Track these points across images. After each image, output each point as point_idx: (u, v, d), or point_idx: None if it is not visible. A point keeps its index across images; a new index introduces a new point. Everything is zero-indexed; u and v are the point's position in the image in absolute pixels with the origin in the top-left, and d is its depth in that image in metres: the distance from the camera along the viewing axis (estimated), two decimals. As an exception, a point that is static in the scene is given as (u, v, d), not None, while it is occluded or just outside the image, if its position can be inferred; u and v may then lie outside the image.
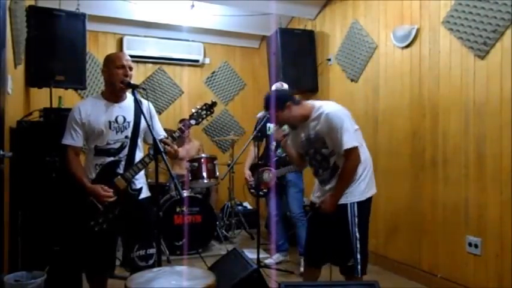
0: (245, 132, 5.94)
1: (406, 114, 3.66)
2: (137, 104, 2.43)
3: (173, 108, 5.75)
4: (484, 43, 2.94)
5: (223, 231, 4.86)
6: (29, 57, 3.44)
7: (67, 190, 2.65)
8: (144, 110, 2.41)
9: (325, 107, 2.43)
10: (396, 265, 3.72)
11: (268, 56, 5.05)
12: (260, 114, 3.78)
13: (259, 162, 3.82)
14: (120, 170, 2.44)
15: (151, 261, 2.43)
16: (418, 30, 3.52)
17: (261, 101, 6.02)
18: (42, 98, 3.65)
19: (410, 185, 3.60)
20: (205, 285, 1.80)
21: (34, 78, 3.53)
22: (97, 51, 5.17)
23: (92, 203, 2.37)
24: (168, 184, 4.62)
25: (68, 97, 4.08)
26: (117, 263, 3.07)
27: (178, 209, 4.24)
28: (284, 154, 3.88)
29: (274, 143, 3.89)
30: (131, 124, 2.48)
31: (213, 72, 6.00)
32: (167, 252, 4.05)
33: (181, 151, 4.13)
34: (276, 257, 4.01)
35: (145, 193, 2.54)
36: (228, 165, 4.53)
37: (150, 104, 2.57)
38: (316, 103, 2.51)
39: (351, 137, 2.34)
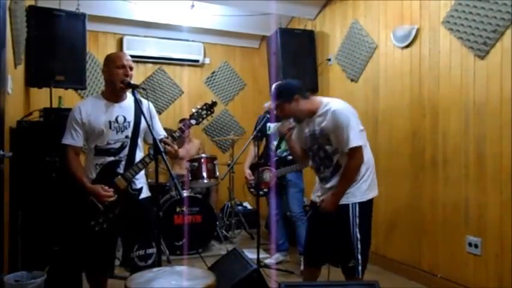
0: (245, 132, 5.94)
1: (406, 114, 3.66)
2: (137, 104, 2.43)
3: (173, 108, 5.75)
4: (484, 43, 2.94)
5: (223, 231, 4.86)
6: (29, 57, 3.44)
7: (67, 190, 2.65)
8: (144, 109, 2.42)
9: (332, 103, 2.42)
10: (396, 265, 3.72)
11: (268, 56, 5.04)
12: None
13: (259, 161, 3.82)
14: (121, 170, 2.44)
15: (150, 261, 2.43)
16: (418, 30, 3.52)
17: (261, 101, 6.05)
18: (42, 98, 3.65)
19: (410, 185, 3.60)
20: (205, 285, 1.80)
21: (34, 78, 3.53)
22: (97, 51, 5.17)
23: (92, 202, 2.37)
24: (168, 184, 4.62)
25: (68, 97, 4.08)
26: (117, 263, 3.08)
27: (178, 209, 4.24)
28: (284, 154, 3.89)
29: (274, 143, 3.89)
30: (131, 124, 2.48)
31: (213, 72, 6.00)
32: (167, 252, 4.05)
33: (182, 151, 4.14)
34: (276, 257, 4.01)
35: (145, 193, 2.54)
36: (228, 165, 4.53)
37: (151, 104, 2.57)
38: (324, 99, 2.50)
39: (356, 136, 2.33)
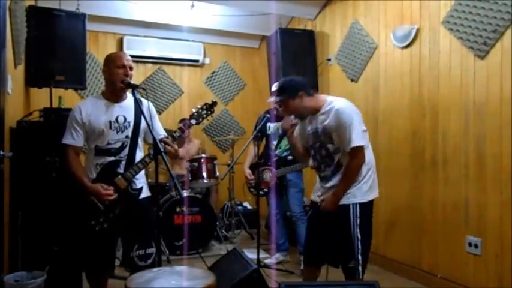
0: (245, 132, 5.94)
1: (406, 114, 3.66)
2: (137, 104, 2.43)
3: (173, 108, 5.75)
4: (484, 43, 2.94)
5: (223, 231, 4.86)
6: (29, 57, 3.43)
7: (67, 190, 2.65)
8: (145, 109, 2.42)
9: (336, 102, 2.41)
10: (396, 265, 3.72)
11: (268, 56, 5.04)
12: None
13: (259, 161, 3.82)
14: (121, 170, 2.44)
15: (150, 261, 2.43)
16: (418, 30, 3.52)
17: (261, 101, 6.05)
18: (42, 98, 3.65)
19: (410, 185, 3.60)
20: (205, 285, 1.80)
21: (34, 78, 3.53)
22: (97, 51, 5.17)
23: (93, 202, 2.37)
24: (168, 184, 4.62)
25: (68, 97, 4.08)
26: (117, 263, 3.08)
27: (178, 209, 4.24)
28: (284, 154, 3.89)
29: (274, 143, 3.89)
30: (131, 124, 2.48)
31: (213, 72, 6.00)
32: (167, 252, 4.05)
33: (182, 151, 4.13)
34: (276, 257, 4.01)
35: (145, 193, 2.54)
36: (228, 165, 4.53)
37: (151, 104, 2.57)
38: (328, 98, 2.49)
39: (359, 135, 2.32)
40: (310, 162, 3.69)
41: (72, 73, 3.67)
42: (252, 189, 4.09)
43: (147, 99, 2.56)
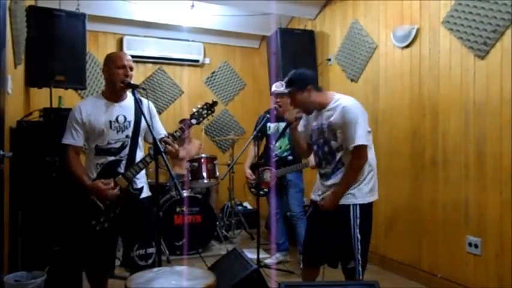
0: (245, 132, 5.94)
1: (406, 114, 3.66)
2: (137, 104, 2.43)
3: (173, 108, 5.75)
4: (484, 43, 2.94)
5: (223, 231, 4.86)
6: (29, 57, 3.43)
7: (67, 190, 2.65)
8: (145, 109, 2.42)
9: (343, 99, 2.42)
10: (396, 265, 3.72)
11: (268, 56, 5.05)
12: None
13: (259, 161, 3.83)
14: (121, 170, 2.44)
15: (150, 261, 2.43)
16: (418, 30, 3.52)
17: (261, 101, 6.05)
18: (42, 98, 3.65)
19: (410, 184, 3.60)
20: (205, 285, 1.80)
21: (34, 78, 3.53)
22: (97, 51, 5.17)
23: (93, 202, 2.37)
24: (168, 184, 4.62)
25: (68, 97, 4.08)
26: (117, 263, 3.08)
27: (178, 209, 4.24)
28: (284, 154, 3.89)
29: (274, 143, 3.89)
30: (132, 123, 2.48)
31: (213, 72, 6.00)
32: (167, 252, 4.05)
33: (182, 152, 4.14)
34: (276, 257, 4.01)
35: (146, 192, 2.54)
36: (228, 165, 4.53)
37: (151, 103, 2.57)
38: (337, 94, 2.49)
39: (364, 134, 2.32)
40: (311, 161, 3.70)
41: (72, 73, 3.67)
42: (252, 189, 4.10)
43: (147, 99, 2.56)
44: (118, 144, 2.45)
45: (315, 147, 2.55)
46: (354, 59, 4.28)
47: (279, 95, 3.82)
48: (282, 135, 3.78)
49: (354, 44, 4.27)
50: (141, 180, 2.53)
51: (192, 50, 5.71)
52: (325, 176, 2.50)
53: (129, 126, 2.48)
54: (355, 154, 2.34)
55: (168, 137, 2.43)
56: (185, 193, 4.37)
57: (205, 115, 2.52)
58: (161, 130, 2.58)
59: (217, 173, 4.62)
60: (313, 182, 2.68)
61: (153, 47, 5.47)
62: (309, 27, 4.96)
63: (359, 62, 4.20)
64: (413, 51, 3.58)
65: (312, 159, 3.67)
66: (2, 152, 2.28)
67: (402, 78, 3.70)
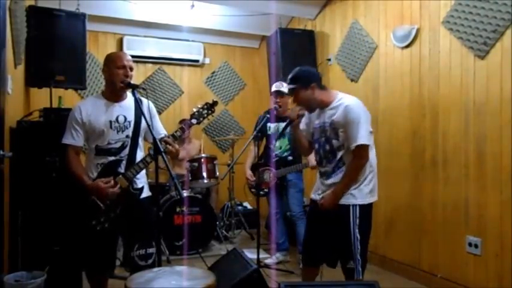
0: (245, 132, 5.94)
1: (406, 114, 3.66)
2: (138, 104, 2.43)
3: (173, 108, 5.76)
4: (484, 43, 2.94)
5: (223, 231, 4.86)
6: (29, 57, 3.44)
7: (67, 190, 2.65)
8: (145, 109, 2.42)
9: (347, 99, 2.42)
10: (396, 265, 3.72)
11: (268, 56, 5.05)
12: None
13: (260, 161, 3.82)
14: (121, 170, 2.44)
15: (150, 261, 2.43)
16: (418, 30, 3.52)
17: (261, 101, 6.05)
18: (42, 98, 3.65)
19: (410, 184, 3.60)
20: (205, 285, 1.80)
21: (34, 78, 3.53)
22: (97, 51, 5.18)
23: (94, 202, 2.37)
24: (168, 184, 4.62)
25: (68, 97, 4.08)
26: (117, 263, 3.07)
27: (178, 209, 4.24)
28: (284, 154, 3.89)
29: (274, 143, 3.89)
30: (132, 123, 2.48)
31: (213, 72, 6.00)
32: (167, 252, 4.05)
33: (182, 152, 4.14)
34: (277, 256, 4.01)
35: (146, 192, 2.54)
36: (228, 165, 4.53)
37: (151, 103, 2.57)
38: (340, 94, 2.49)
39: (366, 134, 2.32)
40: (311, 161, 3.70)
41: (72, 73, 3.67)
42: (253, 190, 4.10)
43: (147, 99, 2.56)
44: (118, 144, 2.45)
45: (316, 146, 2.54)
46: (354, 59, 4.28)
47: (279, 95, 3.83)
48: (282, 135, 3.78)
49: (354, 44, 4.27)
50: (142, 180, 2.53)
51: (192, 50, 5.71)
52: (325, 175, 2.50)
53: (129, 126, 2.47)
54: (356, 154, 2.34)
55: (168, 137, 2.43)
56: (185, 193, 4.37)
57: (205, 115, 2.52)
58: (161, 130, 2.58)
59: (217, 173, 4.62)
60: (313, 182, 2.67)
61: (153, 47, 5.47)
62: (309, 27, 4.96)
63: (359, 62, 4.20)
64: (413, 51, 3.58)
65: (311, 159, 3.68)
66: (2, 152, 2.28)
67: (402, 78, 3.70)
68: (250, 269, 2.59)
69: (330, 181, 2.46)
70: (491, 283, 2.90)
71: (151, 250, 2.44)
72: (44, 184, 2.85)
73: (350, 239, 2.36)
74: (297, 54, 4.73)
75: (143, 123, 2.46)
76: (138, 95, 2.45)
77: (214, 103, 2.53)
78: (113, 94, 2.49)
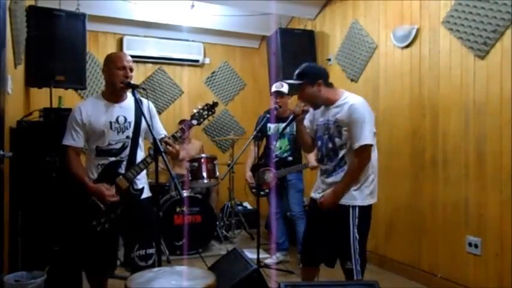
0: (245, 132, 5.94)
1: (406, 114, 3.66)
2: (138, 104, 2.43)
3: (173, 108, 5.76)
4: (484, 43, 2.94)
5: (223, 231, 4.86)
6: (29, 57, 3.43)
7: (67, 190, 2.65)
8: (145, 109, 2.41)
9: (352, 98, 2.41)
10: (396, 265, 3.72)
11: (268, 56, 5.05)
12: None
13: (260, 162, 3.82)
14: (122, 170, 2.44)
15: (150, 261, 2.43)
16: (418, 30, 3.52)
17: (261, 101, 6.05)
18: (42, 98, 3.65)
19: (410, 184, 3.60)
20: (205, 285, 1.80)
21: (34, 78, 3.53)
22: (97, 51, 5.18)
23: (94, 202, 2.37)
24: (168, 184, 4.62)
25: (68, 97, 4.08)
26: (118, 263, 3.08)
27: (178, 209, 4.24)
28: (284, 155, 3.89)
29: (274, 143, 3.89)
30: (132, 124, 2.48)
31: (213, 72, 6.00)
32: (167, 252, 4.05)
33: (182, 152, 4.15)
34: (277, 256, 4.01)
35: (146, 193, 2.54)
36: (228, 165, 4.53)
37: (151, 103, 2.57)
38: (346, 92, 2.49)
39: (370, 134, 2.32)
40: (311, 162, 3.70)
41: (72, 73, 3.67)
42: (253, 190, 4.09)
43: (147, 99, 2.56)
44: (119, 145, 2.45)
45: (319, 143, 2.54)
46: (354, 59, 4.28)
47: (279, 95, 3.83)
48: (282, 135, 3.78)
49: (354, 44, 4.27)
50: (142, 181, 2.53)
51: (192, 50, 5.71)
52: (326, 173, 2.49)
53: (130, 126, 2.47)
54: (359, 154, 2.33)
55: (169, 138, 2.42)
56: (185, 193, 4.37)
57: (205, 116, 2.52)
58: (161, 130, 2.58)
59: (217, 173, 4.62)
60: (313, 182, 2.67)
61: (153, 47, 5.47)
62: (309, 27, 4.96)
63: (359, 62, 4.20)
64: (413, 51, 3.58)
65: (311, 159, 3.69)
66: (2, 152, 2.28)
67: (402, 78, 3.70)
68: (250, 269, 2.59)
69: (330, 180, 2.45)
70: (491, 283, 2.90)
71: (152, 251, 2.44)
72: (44, 184, 2.85)
73: (349, 239, 2.36)
74: (297, 54, 4.72)
75: (143, 124, 2.46)
76: (138, 95, 2.45)
77: (215, 104, 2.53)
78: (113, 95, 2.49)
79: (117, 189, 2.41)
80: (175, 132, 2.47)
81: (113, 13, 4.78)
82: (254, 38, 6.05)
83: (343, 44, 4.44)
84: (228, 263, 2.83)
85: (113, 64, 2.43)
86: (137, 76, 5.35)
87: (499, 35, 2.85)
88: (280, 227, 4.06)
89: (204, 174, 4.48)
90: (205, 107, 2.51)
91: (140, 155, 2.51)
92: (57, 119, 2.88)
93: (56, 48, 3.57)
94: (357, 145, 2.32)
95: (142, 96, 2.56)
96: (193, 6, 4.78)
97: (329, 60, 4.68)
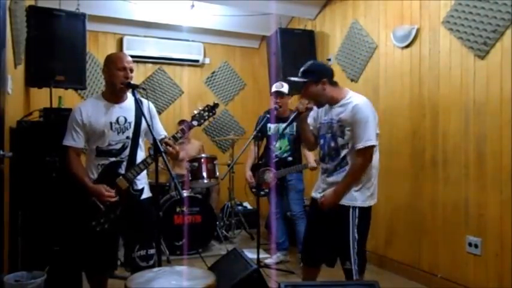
0: (245, 132, 5.94)
1: (406, 114, 3.66)
2: (138, 104, 2.43)
3: (173, 108, 5.76)
4: (484, 43, 2.94)
5: (223, 231, 4.86)
6: (29, 57, 3.43)
7: (67, 190, 2.65)
8: (145, 109, 2.41)
9: (357, 97, 2.41)
10: (396, 265, 3.72)
11: (268, 56, 5.05)
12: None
13: (260, 162, 3.82)
14: (122, 171, 2.44)
15: (151, 262, 2.43)
16: (418, 30, 3.52)
17: (261, 101, 6.05)
18: (42, 98, 3.65)
19: (410, 184, 3.60)
20: (205, 285, 1.81)
21: (34, 78, 3.53)
22: (97, 51, 5.18)
23: (94, 203, 2.37)
24: (168, 184, 4.62)
25: (68, 97, 4.08)
26: (118, 263, 3.08)
27: (178, 209, 4.24)
28: (284, 155, 3.89)
29: (274, 143, 3.89)
30: (132, 125, 2.48)
31: (213, 72, 6.00)
32: (167, 252, 4.05)
33: (182, 153, 4.15)
34: (277, 256, 4.01)
35: (146, 193, 2.54)
36: (228, 165, 4.53)
37: (151, 104, 2.57)
38: (350, 92, 2.48)
39: (373, 135, 2.32)
40: (311, 162, 3.70)
41: (72, 73, 3.67)
42: (253, 190, 4.09)
43: (147, 99, 2.56)
44: (119, 146, 2.45)
45: (321, 141, 2.53)
46: (354, 59, 4.28)
47: (279, 95, 3.83)
48: (282, 136, 3.77)
49: (354, 44, 4.27)
50: (142, 181, 2.53)
51: (192, 50, 5.71)
52: (327, 172, 2.49)
53: (130, 127, 2.47)
54: (361, 154, 2.33)
55: (169, 139, 2.42)
56: (185, 193, 4.37)
57: (206, 117, 2.51)
58: (161, 131, 2.58)
59: (217, 173, 4.62)
60: (313, 183, 2.67)
61: (153, 47, 5.47)
62: (309, 27, 4.96)
63: (359, 62, 4.20)
64: (413, 51, 3.58)
65: (311, 160, 3.70)
66: (2, 152, 2.28)
67: (402, 78, 3.70)
68: (250, 269, 2.59)
69: (331, 179, 2.45)
70: (491, 283, 2.90)
71: (152, 251, 2.44)
72: (44, 184, 2.84)
73: (348, 239, 2.36)
74: (297, 54, 4.72)
75: (143, 124, 2.46)
76: (138, 96, 2.45)
77: (216, 105, 2.53)
78: (113, 95, 2.49)
79: (117, 189, 2.41)
80: (176, 133, 2.47)
81: (113, 13, 4.78)
82: (254, 38, 6.05)
83: (343, 44, 4.44)
84: (228, 263, 2.83)
85: (113, 65, 2.43)
86: (137, 76, 5.35)
87: (499, 35, 2.85)
88: (280, 227, 4.06)
89: (204, 174, 4.49)
90: (206, 108, 2.51)
91: (140, 155, 2.51)
92: (57, 119, 2.88)
93: (56, 48, 3.57)
94: (359, 146, 2.31)
95: (142, 97, 2.56)
96: (193, 6, 4.78)
97: (329, 60, 4.68)
